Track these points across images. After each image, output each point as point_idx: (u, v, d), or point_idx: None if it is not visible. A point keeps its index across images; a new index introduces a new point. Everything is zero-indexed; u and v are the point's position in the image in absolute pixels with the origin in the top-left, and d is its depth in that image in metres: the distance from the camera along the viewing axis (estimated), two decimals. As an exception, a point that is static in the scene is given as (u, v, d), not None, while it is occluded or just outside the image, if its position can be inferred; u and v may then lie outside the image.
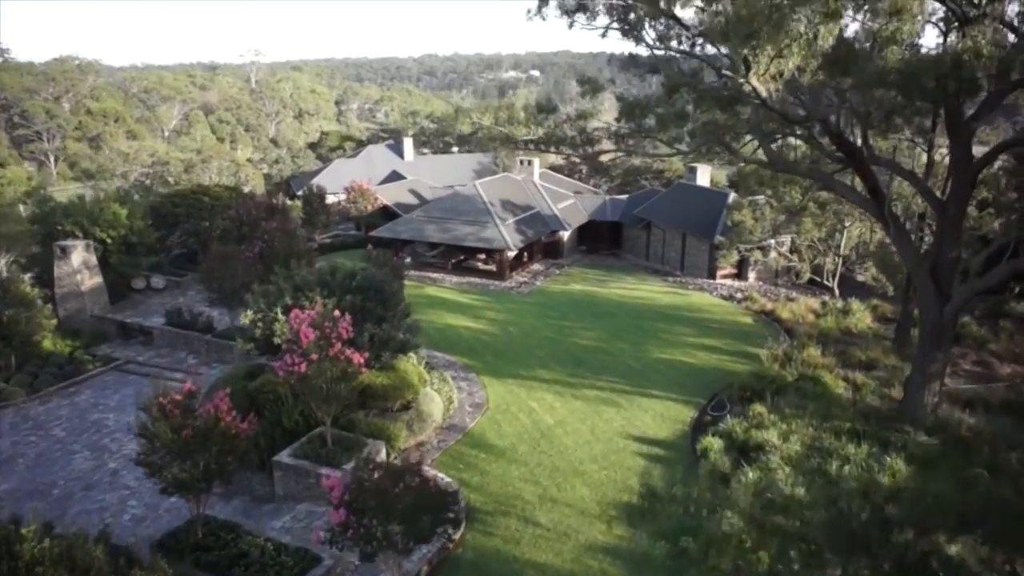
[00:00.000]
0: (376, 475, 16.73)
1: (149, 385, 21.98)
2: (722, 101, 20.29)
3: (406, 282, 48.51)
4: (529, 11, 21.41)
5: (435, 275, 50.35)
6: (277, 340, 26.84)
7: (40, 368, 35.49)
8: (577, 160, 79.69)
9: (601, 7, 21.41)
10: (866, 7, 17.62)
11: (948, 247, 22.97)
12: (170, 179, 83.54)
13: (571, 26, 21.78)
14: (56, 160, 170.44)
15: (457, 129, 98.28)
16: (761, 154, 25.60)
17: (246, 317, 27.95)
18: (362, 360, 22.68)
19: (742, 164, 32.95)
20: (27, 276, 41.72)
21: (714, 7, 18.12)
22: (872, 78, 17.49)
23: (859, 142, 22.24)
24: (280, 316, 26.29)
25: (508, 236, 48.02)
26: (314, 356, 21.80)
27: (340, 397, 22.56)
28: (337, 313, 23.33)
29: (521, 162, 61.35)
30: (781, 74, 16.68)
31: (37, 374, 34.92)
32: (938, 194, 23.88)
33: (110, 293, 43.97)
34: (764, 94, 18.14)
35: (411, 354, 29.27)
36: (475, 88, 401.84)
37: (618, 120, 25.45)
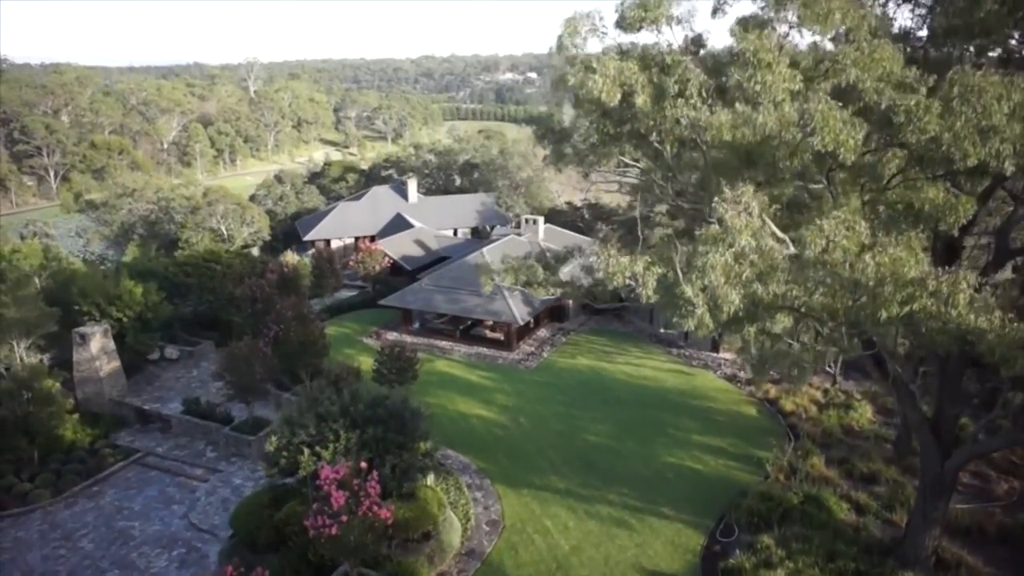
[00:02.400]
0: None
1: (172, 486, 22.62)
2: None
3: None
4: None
5: (444, 343, 51.28)
6: (302, 473, 27.90)
7: (63, 464, 36.40)
8: (578, 206, 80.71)
9: None
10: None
11: (948, 404, 24.01)
12: (177, 216, 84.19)
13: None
14: (56, 175, 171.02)
15: (460, 162, 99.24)
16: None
17: (271, 444, 28.85)
18: (390, 515, 23.66)
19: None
20: (45, 357, 42.70)
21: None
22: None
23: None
24: (305, 452, 27.30)
25: (516, 309, 48.95)
26: (344, 518, 22.75)
27: (368, 550, 23.55)
28: (364, 465, 24.29)
29: (526, 220, 62.20)
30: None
31: (60, 471, 35.82)
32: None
33: (126, 368, 44.87)
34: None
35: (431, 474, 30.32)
36: (472, 91, 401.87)
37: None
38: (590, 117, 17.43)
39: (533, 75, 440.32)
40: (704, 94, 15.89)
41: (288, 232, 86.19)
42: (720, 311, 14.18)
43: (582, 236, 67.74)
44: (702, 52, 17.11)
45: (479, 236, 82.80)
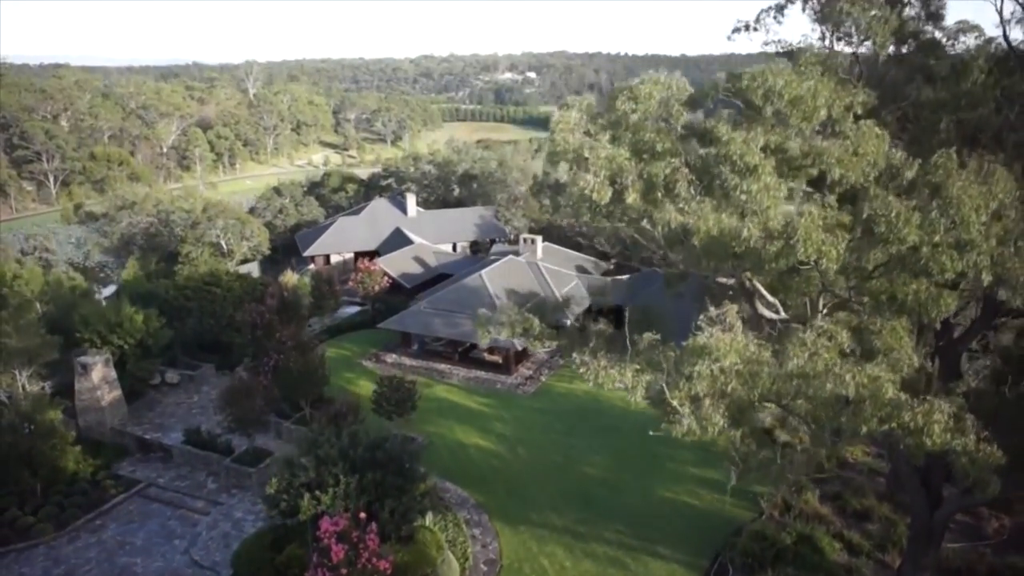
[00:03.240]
0: None
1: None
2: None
3: (415, 377, 50.05)
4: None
5: (443, 366, 51.65)
6: (302, 517, 28.30)
7: (65, 496, 36.76)
8: (575, 223, 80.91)
9: None
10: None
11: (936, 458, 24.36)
12: (176, 229, 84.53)
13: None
14: (56, 180, 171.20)
15: (459, 172, 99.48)
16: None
17: (271, 486, 29.23)
18: (389, 566, 24.06)
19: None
20: (47, 385, 43.08)
21: None
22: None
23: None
24: (305, 496, 27.71)
25: (514, 333, 49.24)
26: (344, 571, 23.15)
27: (367, 601, 23.93)
28: (363, 516, 24.68)
29: (524, 240, 62.59)
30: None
31: (63, 504, 36.18)
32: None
33: (127, 394, 45.28)
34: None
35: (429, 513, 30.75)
36: (472, 91, 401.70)
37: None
38: (581, 207, 17.82)
39: (532, 75, 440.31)
40: (692, 191, 16.29)
41: (288, 244, 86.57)
42: (707, 424, 14.63)
43: (581, 254, 68.15)
44: (692, 142, 17.46)
45: (478, 249, 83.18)
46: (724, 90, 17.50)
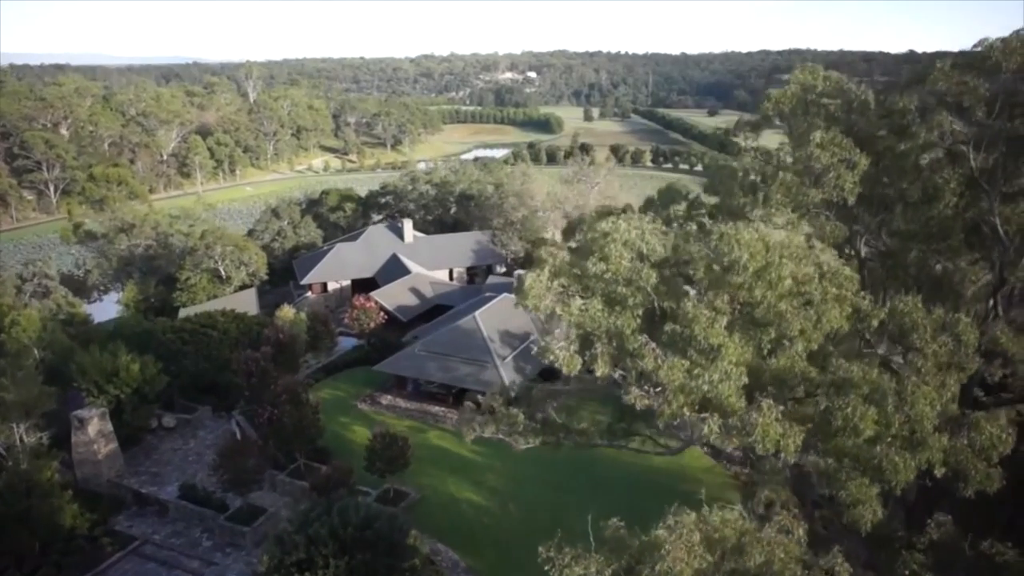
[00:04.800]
0: None
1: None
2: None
3: (407, 423, 50.61)
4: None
5: (436, 409, 52.11)
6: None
7: (63, 555, 37.30)
8: (573, 247, 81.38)
9: None
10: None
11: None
12: (176, 250, 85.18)
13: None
14: (56, 190, 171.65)
15: (457, 191, 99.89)
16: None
17: (263, 563, 29.79)
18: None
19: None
20: (44, 436, 43.61)
21: None
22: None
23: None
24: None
25: (507, 377, 49.79)
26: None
27: None
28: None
29: (519, 276, 62.88)
30: None
31: (61, 564, 36.77)
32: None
33: (123, 442, 45.83)
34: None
35: None
36: (472, 91, 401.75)
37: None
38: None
39: (532, 74, 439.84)
40: (658, 361, 16.76)
41: (286, 268, 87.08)
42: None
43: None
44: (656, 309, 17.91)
45: (475, 273, 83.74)
46: (697, 235, 17.88)
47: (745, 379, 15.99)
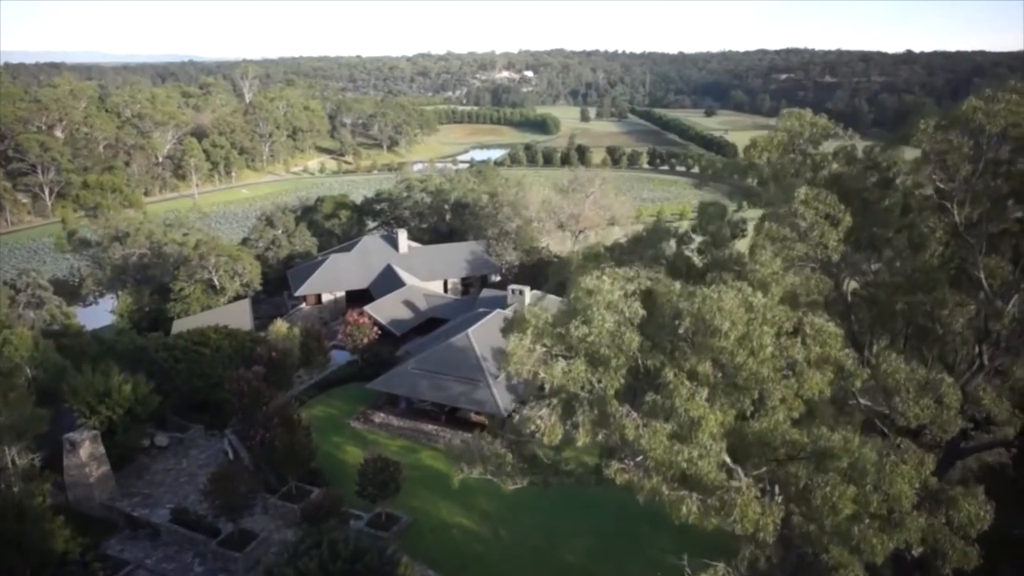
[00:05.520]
0: None
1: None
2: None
3: (400, 442, 50.65)
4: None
5: (429, 427, 52.10)
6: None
7: (54, 582, 37.38)
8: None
9: None
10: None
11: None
12: (170, 259, 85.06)
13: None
14: (51, 193, 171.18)
15: (452, 199, 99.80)
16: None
17: (253, 597, 29.81)
18: None
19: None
20: (36, 458, 43.58)
21: None
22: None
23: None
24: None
25: (500, 398, 49.83)
26: None
27: None
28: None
29: (512, 291, 63.04)
30: None
31: (51, 591, 36.80)
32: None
33: (116, 462, 45.78)
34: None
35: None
36: (469, 90, 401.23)
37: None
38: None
39: (530, 73, 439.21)
40: (639, 431, 16.79)
41: (280, 278, 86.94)
42: None
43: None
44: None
45: (470, 284, 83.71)
46: (678, 302, 17.86)
47: (725, 456, 16.05)
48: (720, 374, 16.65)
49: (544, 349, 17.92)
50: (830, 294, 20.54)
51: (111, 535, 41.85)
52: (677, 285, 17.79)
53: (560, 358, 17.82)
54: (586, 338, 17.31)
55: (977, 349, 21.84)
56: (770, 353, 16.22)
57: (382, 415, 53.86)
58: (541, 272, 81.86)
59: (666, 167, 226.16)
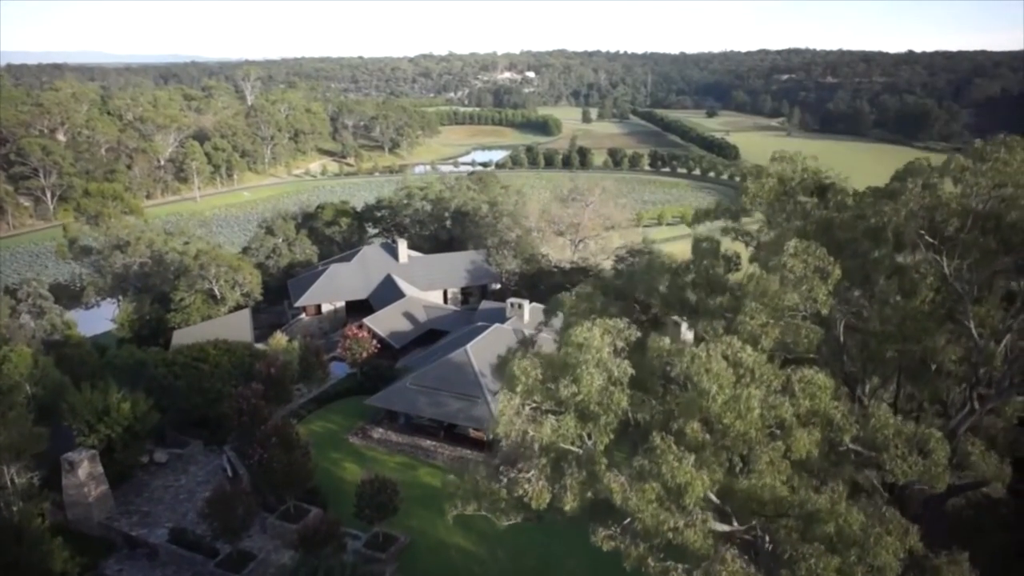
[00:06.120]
0: None
1: None
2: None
3: (398, 459, 50.79)
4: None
5: (428, 443, 52.18)
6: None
7: (52, 604, 37.53)
8: (566, 268, 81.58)
9: None
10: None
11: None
12: (171, 268, 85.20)
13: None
14: (53, 196, 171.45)
15: (452, 207, 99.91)
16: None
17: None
18: None
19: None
20: (35, 476, 43.76)
21: None
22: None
23: None
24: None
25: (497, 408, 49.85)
26: None
27: None
28: None
29: (511, 304, 63.14)
30: None
31: (49, 614, 36.96)
32: None
33: (114, 479, 45.95)
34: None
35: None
36: (471, 91, 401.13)
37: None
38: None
39: (531, 74, 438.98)
40: (626, 494, 16.88)
41: (281, 287, 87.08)
42: None
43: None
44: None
45: (470, 294, 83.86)
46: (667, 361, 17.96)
47: (712, 524, 16.16)
48: (708, 434, 16.74)
49: (534, 405, 18.03)
50: (821, 339, 20.59)
51: (109, 555, 42.02)
52: (667, 341, 17.87)
53: (549, 414, 17.92)
54: (575, 397, 17.42)
55: (969, 395, 21.88)
56: (757, 416, 16.29)
57: (381, 430, 53.98)
58: (541, 280, 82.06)
59: (667, 169, 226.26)
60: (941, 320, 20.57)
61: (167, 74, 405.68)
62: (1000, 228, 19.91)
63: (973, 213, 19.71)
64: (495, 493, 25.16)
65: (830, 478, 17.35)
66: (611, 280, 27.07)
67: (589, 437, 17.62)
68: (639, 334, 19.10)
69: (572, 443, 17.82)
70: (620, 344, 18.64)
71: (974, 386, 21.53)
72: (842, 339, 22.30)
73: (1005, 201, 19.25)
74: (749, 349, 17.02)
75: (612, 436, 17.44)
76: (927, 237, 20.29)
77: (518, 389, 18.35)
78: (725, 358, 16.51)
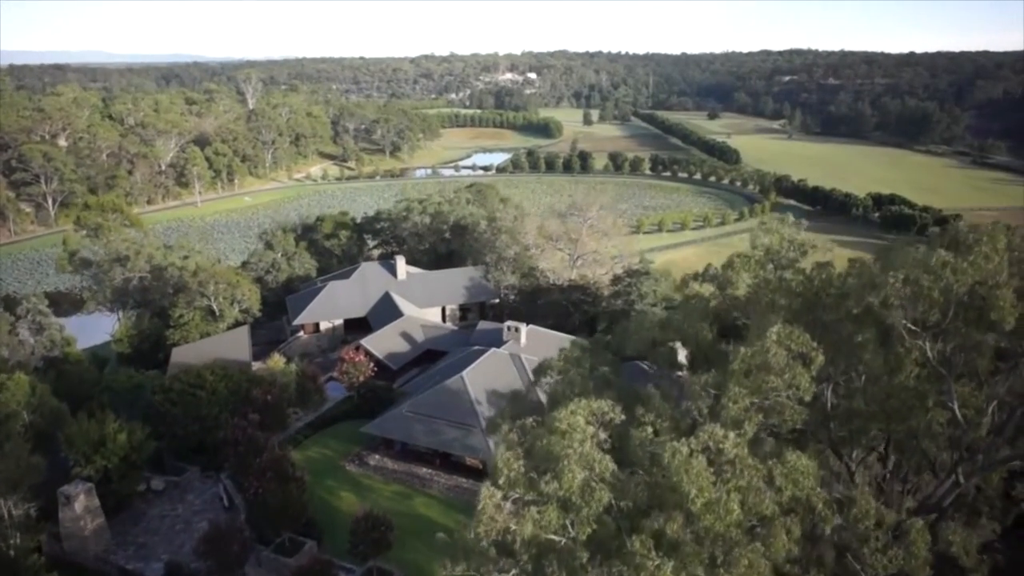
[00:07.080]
0: None
1: None
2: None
3: (394, 487, 50.95)
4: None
5: (424, 471, 52.32)
6: None
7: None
8: (564, 286, 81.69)
9: None
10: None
11: None
12: (171, 283, 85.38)
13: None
14: (54, 202, 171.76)
15: (451, 221, 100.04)
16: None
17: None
18: None
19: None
20: (31, 508, 43.96)
21: None
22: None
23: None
24: None
25: (492, 444, 50.03)
26: None
27: None
28: None
29: (508, 328, 63.25)
30: None
31: (45, 652, 37.24)
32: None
33: (111, 509, 46.15)
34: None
35: None
36: (472, 92, 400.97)
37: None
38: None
39: (533, 75, 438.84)
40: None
41: (279, 302, 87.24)
42: None
43: (567, 336, 68.74)
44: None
45: (468, 310, 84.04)
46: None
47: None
48: (688, 530, 16.85)
49: (516, 497, 18.16)
50: (805, 417, 20.69)
51: (106, 589, 42.23)
52: (649, 431, 17.97)
53: (532, 506, 18.04)
54: (556, 492, 17.55)
55: (954, 472, 21.96)
56: (736, 519, 16.41)
57: (377, 457, 54.13)
58: (540, 296, 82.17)
59: (668, 173, 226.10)
60: (924, 396, 20.68)
61: (169, 75, 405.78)
62: (982, 319, 20.01)
63: (955, 302, 19.83)
64: (484, 551, 25.30)
65: (812, 566, 17.49)
66: (600, 337, 27.10)
67: (572, 526, 17.77)
68: (623, 417, 19.23)
69: (555, 532, 17.97)
70: (604, 436, 18.75)
71: (957, 463, 21.62)
72: (829, 407, 22.39)
73: (986, 299, 19.35)
74: (732, 436, 17.16)
75: (594, 527, 17.55)
76: (910, 326, 20.41)
77: (500, 482, 18.48)
78: (707, 449, 16.66)
